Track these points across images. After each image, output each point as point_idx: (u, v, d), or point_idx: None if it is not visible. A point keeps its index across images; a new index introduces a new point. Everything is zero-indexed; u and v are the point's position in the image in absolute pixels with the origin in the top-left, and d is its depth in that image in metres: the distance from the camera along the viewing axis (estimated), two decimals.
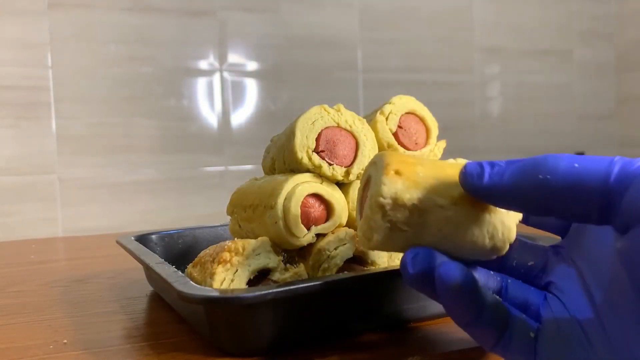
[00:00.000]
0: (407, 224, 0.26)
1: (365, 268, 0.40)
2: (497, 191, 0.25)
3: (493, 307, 0.27)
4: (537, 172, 0.23)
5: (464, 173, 0.26)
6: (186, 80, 1.17)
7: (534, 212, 0.24)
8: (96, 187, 1.09)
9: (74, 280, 0.57)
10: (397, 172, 0.26)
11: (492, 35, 1.52)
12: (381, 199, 0.26)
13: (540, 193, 0.23)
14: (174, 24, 1.16)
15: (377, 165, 0.28)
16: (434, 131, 0.46)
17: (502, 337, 0.27)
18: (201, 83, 1.18)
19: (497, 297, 0.28)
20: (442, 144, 0.47)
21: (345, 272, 0.39)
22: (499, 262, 0.31)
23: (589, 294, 0.27)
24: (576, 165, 0.23)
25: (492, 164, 0.25)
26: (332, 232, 0.41)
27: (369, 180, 0.29)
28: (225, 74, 1.20)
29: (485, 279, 0.30)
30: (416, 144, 0.45)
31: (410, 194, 0.26)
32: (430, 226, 0.27)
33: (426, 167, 0.27)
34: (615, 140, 1.88)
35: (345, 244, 0.40)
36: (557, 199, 0.23)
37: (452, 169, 0.28)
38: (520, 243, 0.32)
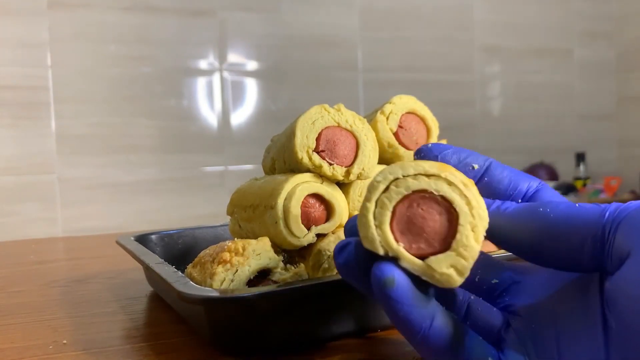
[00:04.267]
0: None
1: None
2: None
3: (443, 320, 0.25)
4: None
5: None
6: (186, 80, 1.17)
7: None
8: (96, 187, 1.09)
9: (74, 280, 0.57)
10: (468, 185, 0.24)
11: (493, 35, 1.52)
12: (486, 223, 0.24)
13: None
14: (174, 24, 1.16)
15: (452, 184, 0.24)
16: (435, 131, 0.46)
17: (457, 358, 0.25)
18: (201, 83, 1.18)
19: (449, 312, 0.26)
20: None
21: None
22: None
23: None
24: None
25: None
26: (333, 232, 0.41)
27: (434, 201, 0.24)
28: (225, 74, 1.20)
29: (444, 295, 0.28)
30: (417, 143, 0.45)
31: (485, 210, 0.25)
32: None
33: None
34: (615, 140, 1.88)
35: None
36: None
37: None
38: (484, 258, 0.30)
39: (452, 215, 0.23)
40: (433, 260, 0.23)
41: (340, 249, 0.27)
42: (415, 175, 0.24)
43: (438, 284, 0.24)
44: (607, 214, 0.23)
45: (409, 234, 0.24)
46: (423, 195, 0.24)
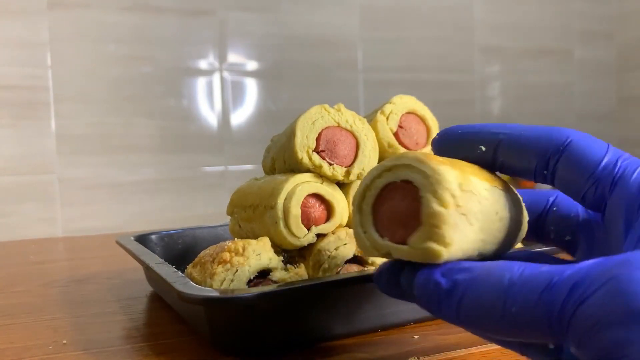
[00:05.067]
0: (475, 216, 0.23)
1: (365, 268, 0.40)
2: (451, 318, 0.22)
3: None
4: (487, 304, 0.20)
5: (417, 295, 0.23)
6: (186, 80, 1.17)
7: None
8: (96, 187, 1.09)
9: (73, 280, 0.57)
10: (442, 162, 0.23)
11: (492, 35, 1.52)
12: (451, 186, 0.23)
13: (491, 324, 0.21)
14: (174, 24, 1.15)
15: (409, 166, 0.24)
16: (435, 131, 0.46)
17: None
18: (201, 83, 1.18)
19: None
20: None
21: (346, 272, 0.39)
22: (536, 233, 0.29)
23: None
24: (513, 310, 0.19)
25: (437, 285, 0.22)
26: (333, 233, 0.41)
27: (398, 188, 0.24)
28: (225, 74, 1.20)
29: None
30: (417, 143, 0.45)
31: (469, 179, 0.23)
32: (489, 213, 0.24)
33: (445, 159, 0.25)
34: (615, 140, 1.88)
35: (345, 244, 0.40)
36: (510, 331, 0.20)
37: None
38: (554, 214, 0.28)
39: (416, 193, 0.23)
40: (412, 240, 0.23)
41: (377, 277, 0.26)
42: (380, 174, 0.25)
43: (427, 260, 0.23)
44: (555, 309, 0.18)
45: (391, 226, 0.24)
46: (389, 187, 0.25)
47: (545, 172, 0.25)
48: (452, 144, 0.27)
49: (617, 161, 0.25)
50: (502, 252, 0.26)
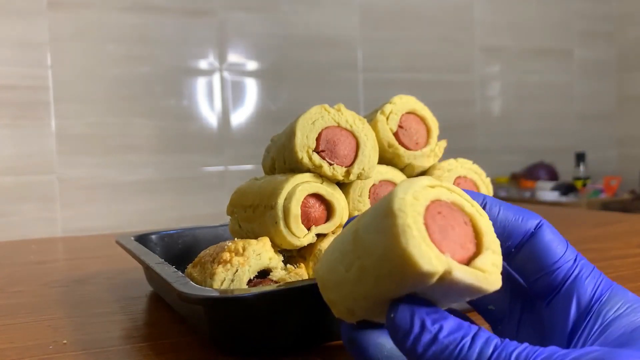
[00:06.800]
0: None
1: None
2: None
3: None
4: None
5: (392, 327, 0.21)
6: (186, 80, 1.17)
7: None
8: (95, 187, 1.09)
9: (73, 280, 0.57)
10: None
11: (493, 35, 1.52)
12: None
13: None
14: (174, 24, 1.16)
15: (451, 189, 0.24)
16: (435, 131, 0.46)
17: None
18: (201, 83, 1.18)
19: None
20: (443, 143, 0.47)
21: None
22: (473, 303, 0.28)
23: None
24: None
25: (423, 330, 0.21)
26: (333, 232, 0.41)
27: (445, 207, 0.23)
28: (225, 74, 1.20)
29: None
30: (417, 143, 0.45)
31: None
32: None
33: None
34: (615, 140, 1.88)
35: None
36: None
37: None
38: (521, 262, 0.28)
39: (464, 216, 0.23)
40: (478, 263, 0.22)
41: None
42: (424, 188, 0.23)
43: (488, 288, 0.22)
44: None
45: (450, 244, 0.22)
46: (439, 204, 0.23)
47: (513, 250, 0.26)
48: None
49: (575, 259, 0.26)
50: None
